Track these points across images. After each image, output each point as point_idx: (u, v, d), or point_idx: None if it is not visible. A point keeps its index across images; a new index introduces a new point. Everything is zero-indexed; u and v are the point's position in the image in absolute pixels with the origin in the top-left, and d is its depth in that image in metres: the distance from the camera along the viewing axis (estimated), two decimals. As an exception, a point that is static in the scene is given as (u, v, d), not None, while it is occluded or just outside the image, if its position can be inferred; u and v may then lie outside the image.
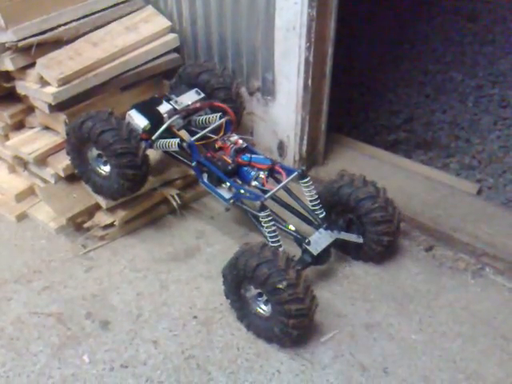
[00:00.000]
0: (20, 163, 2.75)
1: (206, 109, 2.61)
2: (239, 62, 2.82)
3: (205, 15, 2.80)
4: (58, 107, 2.52)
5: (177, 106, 2.54)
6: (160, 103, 2.52)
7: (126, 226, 2.67)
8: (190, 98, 2.60)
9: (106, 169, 2.48)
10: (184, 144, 2.41)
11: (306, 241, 2.27)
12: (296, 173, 2.34)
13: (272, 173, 2.41)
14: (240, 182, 2.41)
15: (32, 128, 2.74)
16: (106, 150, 2.36)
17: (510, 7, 4.94)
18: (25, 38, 2.48)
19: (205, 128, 2.50)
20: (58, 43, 2.60)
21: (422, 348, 2.16)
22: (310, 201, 2.38)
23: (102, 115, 2.36)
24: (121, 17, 2.81)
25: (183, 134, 2.58)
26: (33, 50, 2.50)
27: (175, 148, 2.44)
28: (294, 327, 2.04)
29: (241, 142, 2.45)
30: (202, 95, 2.62)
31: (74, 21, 2.62)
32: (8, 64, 2.50)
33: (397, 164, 2.98)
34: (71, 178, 2.64)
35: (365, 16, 4.68)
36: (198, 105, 2.56)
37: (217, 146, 2.46)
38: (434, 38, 4.55)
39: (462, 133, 3.50)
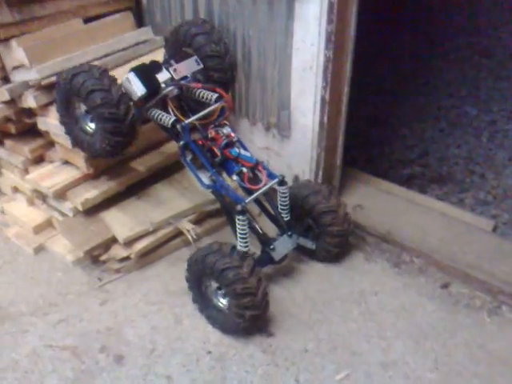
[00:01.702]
0: (39, 196, 2.80)
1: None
2: (257, 98, 2.88)
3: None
4: (78, 142, 2.58)
5: (175, 75, 2.48)
6: (159, 70, 2.45)
7: (141, 259, 2.69)
8: (189, 67, 2.53)
9: (92, 126, 2.43)
10: (178, 125, 2.38)
11: (271, 247, 2.43)
12: (277, 179, 2.44)
13: (253, 170, 2.46)
14: (222, 174, 2.46)
15: (52, 162, 2.80)
16: (94, 111, 2.33)
17: (524, 43, 4.99)
18: (48, 77, 2.55)
19: (197, 101, 2.50)
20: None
21: (438, 388, 2.13)
22: (281, 205, 2.51)
23: (94, 72, 2.31)
24: (141, 55, 2.88)
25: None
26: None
27: (168, 125, 2.40)
28: (245, 328, 2.28)
29: (233, 135, 2.48)
30: (201, 66, 2.56)
31: (95, 59, 2.69)
32: (31, 101, 2.57)
33: (412, 199, 2.98)
34: (89, 212, 2.68)
35: (379, 51, 4.75)
36: (199, 85, 2.50)
37: (209, 135, 2.46)
38: (449, 73, 4.60)
39: (477, 168, 3.50)
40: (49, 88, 2.58)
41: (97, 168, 2.68)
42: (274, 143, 2.89)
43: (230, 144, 2.46)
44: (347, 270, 2.65)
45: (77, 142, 2.52)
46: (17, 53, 2.52)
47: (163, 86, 2.44)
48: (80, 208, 2.61)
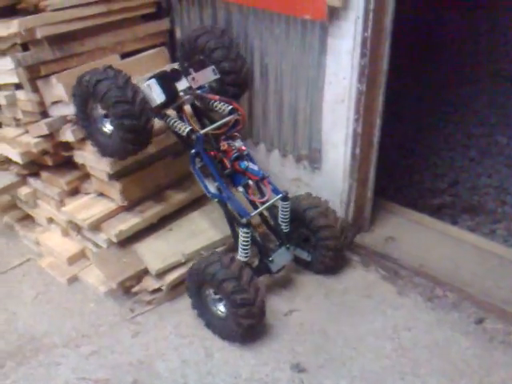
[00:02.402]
0: (74, 227, 2.85)
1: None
2: (288, 130, 2.91)
3: (262, 86, 2.94)
4: (114, 175, 2.63)
5: (193, 84, 2.56)
6: (179, 78, 2.52)
7: (172, 291, 2.70)
8: (206, 76, 2.63)
9: (109, 128, 2.48)
10: (193, 136, 2.44)
11: (270, 259, 2.54)
12: (280, 195, 2.55)
13: (259, 183, 2.56)
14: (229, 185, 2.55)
15: (87, 194, 2.85)
16: (115, 120, 2.38)
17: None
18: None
19: (210, 110, 2.60)
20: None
21: (475, 429, 2.08)
22: (282, 219, 2.61)
23: (119, 80, 2.35)
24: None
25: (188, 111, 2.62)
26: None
27: (183, 134, 2.46)
28: (242, 336, 2.40)
29: (244, 148, 2.55)
30: (218, 76, 2.65)
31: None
32: (69, 135, 2.64)
33: (443, 231, 2.95)
34: (123, 243, 2.72)
35: (406, 79, 4.75)
36: (216, 97, 2.58)
37: (222, 147, 2.53)
38: (478, 100, 4.57)
39: (509, 198, 3.45)
40: (85, 123, 2.64)
41: (131, 200, 2.73)
42: (305, 174, 2.91)
43: (240, 157, 2.54)
44: (379, 303, 2.62)
45: (91, 141, 2.57)
46: (56, 89, 2.60)
47: (181, 94, 2.52)
48: (114, 240, 2.65)
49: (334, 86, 2.58)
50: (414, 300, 2.63)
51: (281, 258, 2.58)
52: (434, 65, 5.04)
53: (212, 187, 2.53)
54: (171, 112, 2.57)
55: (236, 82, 2.75)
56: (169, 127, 2.56)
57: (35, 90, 2.67)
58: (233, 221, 2.56)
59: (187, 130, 2.45)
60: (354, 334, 2.47)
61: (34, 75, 2.65)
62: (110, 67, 2.42)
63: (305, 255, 2.72)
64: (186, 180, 2.94)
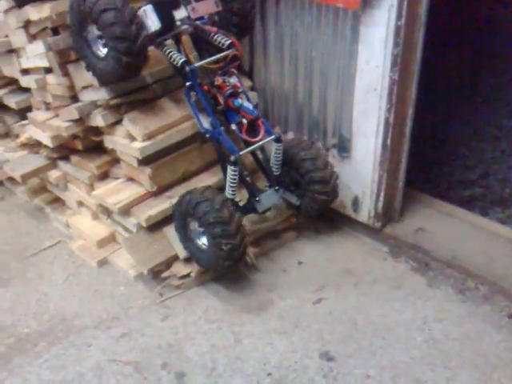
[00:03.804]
0: (104, 211, 2.88)
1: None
2: (318, 118, 2.88)
3: (291, 74, 2.92)
4: (143, 161, 2.64)
5: (192, 14, 2.48)
6: (177, 7, 2.45)
7: (201, 276, 2.72)
8: (207, 7, 2.53)
9: (103, 51, 2.44)
10: (186, 67, 2.41)
11: (257, 198, 2.60)
12: (273, 136, 2.57)
13: (253, 123, 2.53)
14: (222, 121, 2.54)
15: (116, 179, 2.87)
16: (106, 31, 2.31)
17: None
18: (116, 97, 2.63)
19: (208, 42, 2.52)
20: (145, 100, 2.74)
21: (507, 423, 2.06)
22: (273, 160, 2.64)
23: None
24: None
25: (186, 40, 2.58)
26: (122, 108, 2.65)
27: (177, 65, 2.44)
28: (226, 259, 2.43)
29: (239, 85, 2.52)
30: (220, 8, 2.55)
31: (160, 80, 2.76)
32: (99, 120, 2.65)
33: (474, 223, 2.91)
34: (152, 228, 2.73)
35: (436, 69, 4.67)
36: (214, 30, 2.51)
37: (216, 82, 2.50)
38: (509, 91, 4.47)
39: (541, 190, 3.39)
40: (116, 107, 2.66)
41: (160, 186, 2.73)
42: (334, 163, 2.88)
43: (234, 94, 2.52)
44: (409, 295, 2.60)
45: (89, 67, 2.52)
46: (87, 73, 2.60)
47: (178, 23, 2.47)
48: (144, 224, 2.66)
49: (366, 75, 2.54)
50: (445, 292, 2.60)
51: (268, 199, 2.63)
52: (465, 53, 4.94)
53: (205, 122, 2.53)
54: (169, 42, 2.53)
55: (241, 25, 2.66)
56: (164, 57, 2.51)
57: (65, 74, 2.68)
58: (223, 157, 2.57)
59: (181, 61, 2.43)
60: (383, 324, 2.46)
61: (65, 59, 2.66)
62: None
63: (294, 199, 2.76)
64: (213, 166, 2.93)
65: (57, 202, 3.21)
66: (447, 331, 2.41)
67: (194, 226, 2.55)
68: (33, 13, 2.59)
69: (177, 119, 2.71)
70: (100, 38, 2.44)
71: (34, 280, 2.80)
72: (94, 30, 2.43)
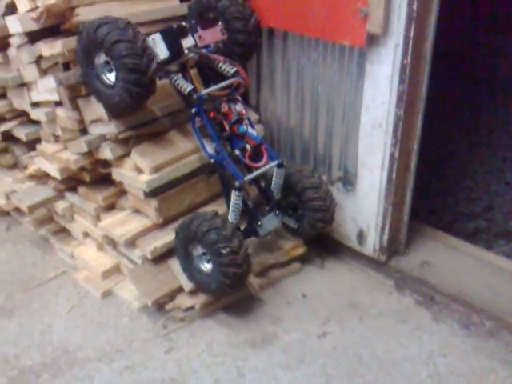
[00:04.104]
0: (109, 242, 2.89)
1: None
2: (321, 152, 2.92)
3: (297, 109, 2.97)
4: (150, 193, 2.66)
5: (199, 42, 2.54)
6: (185, 35, 2.51)
7: (205, 309, 2.71)
8: (213, 36, 2.60)
9: (111, 77, 2.45)
10: (194, 95, 2.47)
11: (259, 223, 2.63)
12: (276, 161, 2.61)
13: (256, 149, 2.59)
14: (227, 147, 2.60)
15: (122, 210, 2.89)
16: (118, 62, 2.33)
17: None
18: (124, 131, 2.67)
19: (213, 69, 2.60)
20: (152, 133, 2.78)
21: None
22: (274, 185, 2.70)
23: (119, 23, 2.32)
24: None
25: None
26: (130, 142, 2.69)
27: (185, 93, 2.48)
28: (231, 286, 2.48)
29: (244, 112, 2.58)
30: (225, 36, 2.64)
31: (169, 114, 2.80)
32: (108, 153, 2.69)
33: (480, 257, 2.90)
34: (157, 260, 2.74)
35: (439, 101, 4.72)
36: (220, 58, 2.57)
37: (222, 110, 2.56)
38: (512, 124, 4.52)
39: (546, 224, 3.39)
40: (125, 141, 2.70)
41: (166, 218, 2.75)
42: (339, 196, 2.90)
43: (239, 120, 2.57)
44: (415, 329, 2.58)
45: (94, 94, 2.55)
46: (96, 107, 2.65)
47: (186, 51, 2.53)
48: (149, 256, 2.67)
49: (372, 111, 2.58)
50: (450, 326, 2.59)
51: (269, 223, 2.68)
52: (467, 87, 5.00)
53: (210, 148, 2.58)
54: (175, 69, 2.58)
55: (245, 54, 2.76)
56: (171, 85, 2.57)
57: (75, 108, 2.73)
58: (227, 183, 2.61)
59: (189, 88, 2.48)
60: (388, 359, 2.44)
61: (75, 94, 2.71)
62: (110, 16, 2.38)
63: (292, 223, 2.82)
64: (218, 198, 2.95)
65: (62, 232, 3.22)
66: (452, 367, 2.39)
67: (197, 250, 2.58)
68: (45, 49, 2.64)
69: (184, 152, 2.75)
70: (107, 63, 2.46)
71: (38, 311, 2.80)
72: (101, 57, 2.46)
